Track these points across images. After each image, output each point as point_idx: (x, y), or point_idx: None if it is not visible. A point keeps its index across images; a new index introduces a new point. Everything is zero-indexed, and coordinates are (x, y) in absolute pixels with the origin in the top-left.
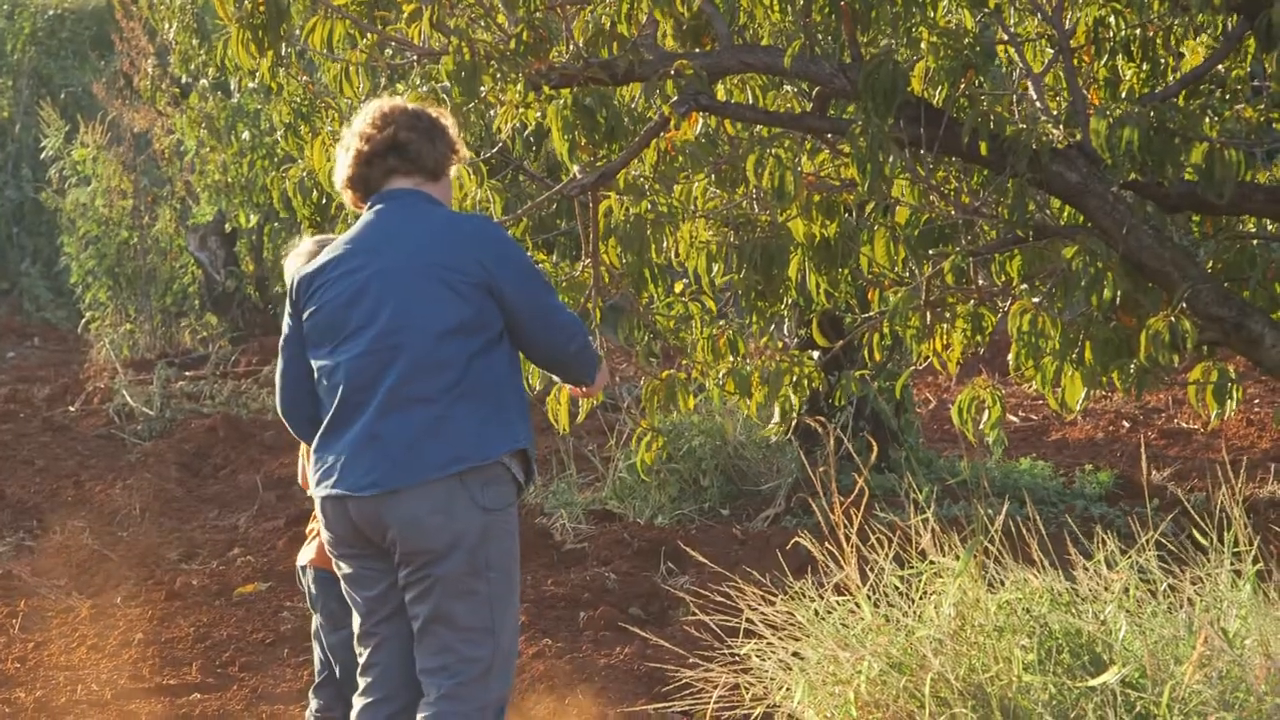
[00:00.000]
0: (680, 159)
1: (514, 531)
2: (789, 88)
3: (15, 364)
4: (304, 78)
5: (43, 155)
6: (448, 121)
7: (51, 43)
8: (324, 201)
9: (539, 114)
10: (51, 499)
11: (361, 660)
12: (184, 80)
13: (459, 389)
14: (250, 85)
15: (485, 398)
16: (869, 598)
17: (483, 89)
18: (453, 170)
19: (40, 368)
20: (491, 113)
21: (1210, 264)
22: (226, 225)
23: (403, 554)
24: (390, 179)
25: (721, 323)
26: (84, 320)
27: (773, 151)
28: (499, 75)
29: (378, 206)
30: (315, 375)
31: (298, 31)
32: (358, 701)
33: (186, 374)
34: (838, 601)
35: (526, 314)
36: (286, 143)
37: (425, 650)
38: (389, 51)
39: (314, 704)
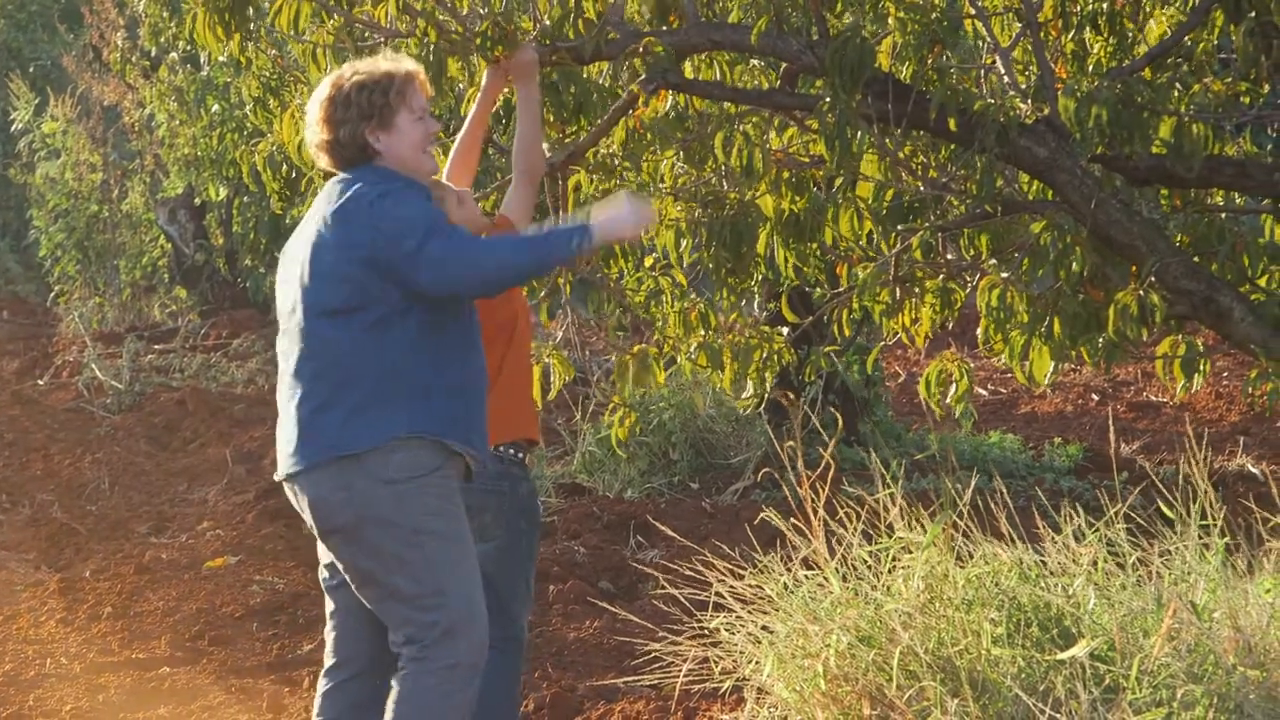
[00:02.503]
0: (649, 136)
1: (445, 494)
2: (756, 63)
3: None
4: (273, 52)
5: (12, 129)
6: (376, 73)
7: (21, 16)
8: (293, 175)
9: (507, 90)
10: (20, 472)
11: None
12: (154, 53)
13: (340, 373)
14: (220, 59)
15: (368, 382)
16: (837, 571)
17: (449, 75)
18: (403, 118)
19: (9, 341)
20: (460, 88)
21: (1179, 238)
22: (196, 199)
23: (319, 532)
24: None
25: (693, 296)
26: (53, 294)
27: (741, 129)
28: (464, 65)
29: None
30: None
31: (266, 4)
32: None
33: (156, 347)
34: (806, 575)
35: (414, 273)
36: (256, 117)
37: (389, 627)
38: (356, 32)
39: None
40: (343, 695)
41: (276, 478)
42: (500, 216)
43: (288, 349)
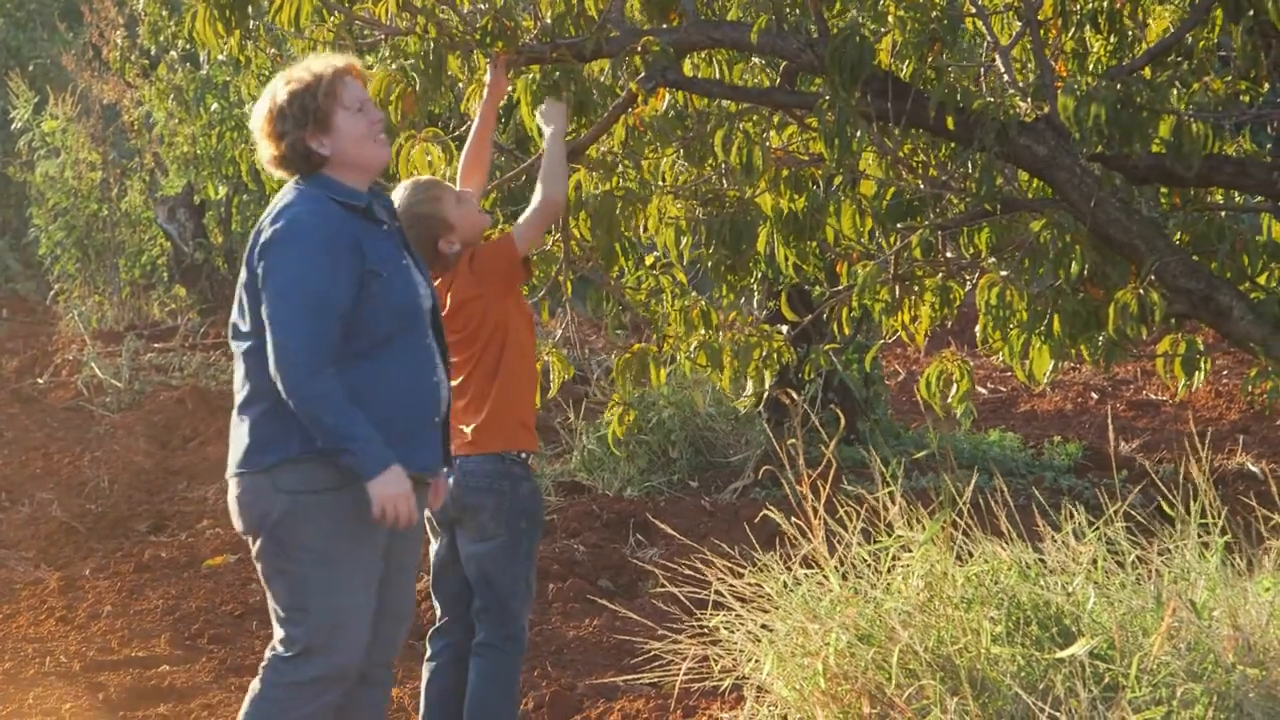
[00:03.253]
0: (649, 134)
1: (341, 515)
2: (756, 61)
3: None
4: (272, 50)
5: (12, 127)
6: (305, 78)
7: (20, 14)
8: None
9: (511, 89)
10: (20, 471)
11: None
12: (153, 52)
13: (245, 391)
14: (219, 57)
15: (266, 402)
16: (837, 570)
17: (449, 72)
18: (340, 117)
19: (8, 340)
20: (460, 86)
21: (1178, 236)
22: (195, 197)
23: (239, 532)
24: None
25: (693, 294)
26: (53, 292)
27: (740, 127)
28: (465, 62)
29: None
30: None
31: (265, 2)
32: None
33: (155, 346)
34: (806, 574)
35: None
36: None
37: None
38: (356, 29)
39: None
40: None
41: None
42: (508, 233)
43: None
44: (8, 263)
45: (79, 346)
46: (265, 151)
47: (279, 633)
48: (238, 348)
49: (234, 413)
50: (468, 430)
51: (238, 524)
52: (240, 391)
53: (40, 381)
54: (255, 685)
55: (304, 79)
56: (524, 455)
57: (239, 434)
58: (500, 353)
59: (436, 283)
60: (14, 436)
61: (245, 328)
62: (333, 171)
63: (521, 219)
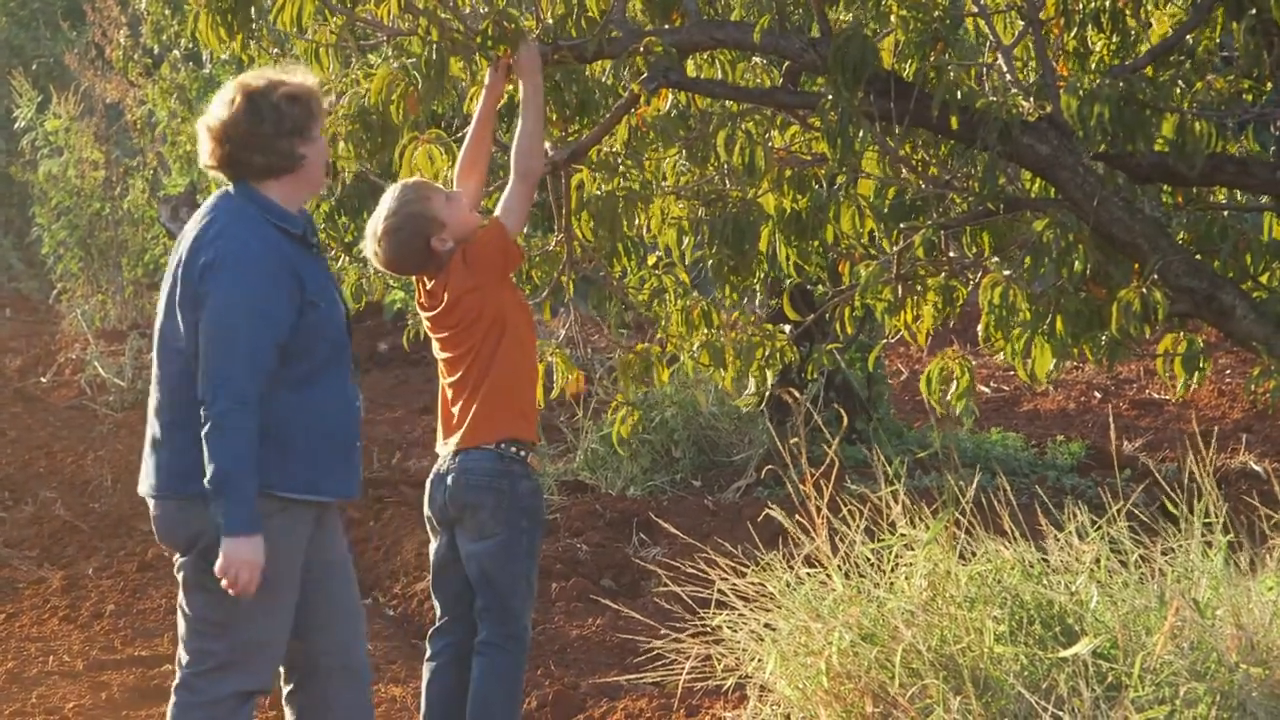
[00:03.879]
0: (651, 135)
1: (274, 539)
2: (758, 61)
3: None
4: (275, 50)
5: (15, 126)
6: (303, 85)
7: (23, 13)
8: None
9: (510, 88)
10: (23, 470)
11: None
12: (156, 51)
13: (173, 412)
14: (222, 56)
15: (190, 427)
16: (840, 569)
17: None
18: (317, 130)
19: (12, 339)
20: (463, 86)
21: (1181, 235)
22: (198, 196)
23: (161, 543)
24: None
25: (695, 294)
26: (56, 291)
27: (743, 127)
28: (467, 64)
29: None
30: None
31: (268, 3)
32: None
33: None
34: (809, 573)
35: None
36: None
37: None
38: (358, 30)
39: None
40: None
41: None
42: (494, 220)
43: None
44: (11, 262)
45: (82, 345)
46: (228, 148)
47: (191, 647)
48: (171, 362)
49: (160, 428)
50: (466, 421)
51: (164, 540)
52: (169, 409)
53: (43, 380)
54: (170, 709)
55: (301, 85)
56: (523, 453)
57: (169, 453)
58: (497, 344)
59: (432, 282)
60: (17, 435)
61: (182, 345)
62: (280, 187)
63: (504, 202)
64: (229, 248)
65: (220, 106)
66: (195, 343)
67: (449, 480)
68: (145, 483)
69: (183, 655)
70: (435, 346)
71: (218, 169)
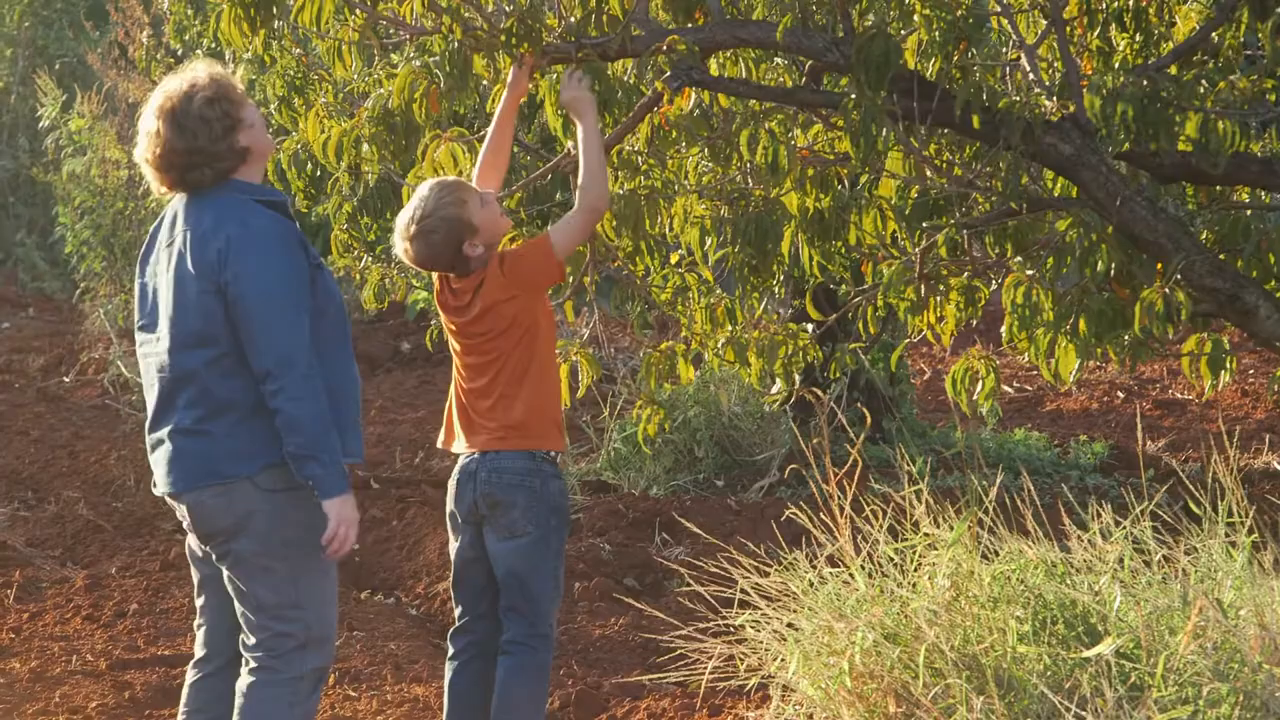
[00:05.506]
0: (674, 134)
1: (310, 509)
2: (781, 60)
3: (10, 334)
4: (297, 50)
5: (39, 125)
6: (200, 83)
7: (47, 12)
8: (318, 174)
9: (532, 87)
10: (46, 469)
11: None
12: (179, 51)
13: (208, 403)
14: (244, 57)
15: (237, 412)
16: (863, 569)
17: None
18: (247, 110)
19: (35, 338)
20: (485, 85)
21: (1204, 235)
22: None
23: (198, 535)
24: None
25: (719, 292)
26: (79, 290)
27: (766, 126)
28: (490, 63)
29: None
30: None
31: (290, 1)
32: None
33: None
34: (832, 572)
35: (239, 322)
36: (280, 116)
37: (245, 629)
38: (380, 28)
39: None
40: (209, 686)
41: (156, 493)
42: (544, 233)
43: (151, 378)
44: (34, 261)
45: (105, 345)
46: (175, 174)
47: (264, 631)
48: (190, 359)
49: (192, 421)
50: (495, 428)
51: (205, 530)
52: (200, 403)
53: (66, 380)
54: (249, 693)
55: (210, 80)
56: (554, 454)
57: (208, 443)
58: (531, 353)
59: (460, 283)
60: (40, 435)
61: (204, 336)
62: (245, 170)
63: (562, 223)
64: (235, 231)
65: (148, 138)
66: (222, 330)
67: (480, 476)
68: (170, 481)
69: (253, 641)
70: (457, 347)
71: (174, 190)
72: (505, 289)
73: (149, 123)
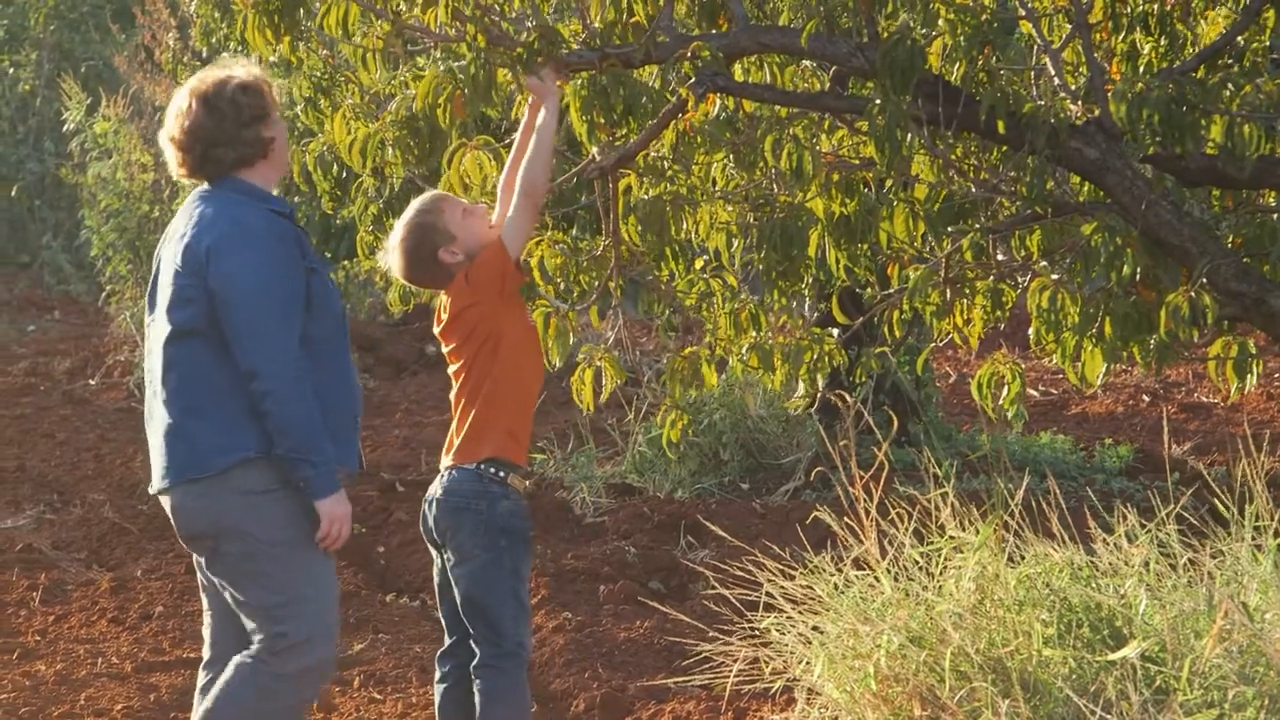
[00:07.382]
0: (699, 139)
1: (292, 508)
2: (806, 65)
3: (36, 337)
4: (324, 52)
5: (65, 129)
6: (244, 77)
7: (73, 16)
8: (344, 176)
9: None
10: (72, 472)
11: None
12: (205, 54)
13: (193, 391)
14: (270, 59)
15: (220, 403)
16: (889, 572)
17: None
18: (275, 113)
19: (61, 341)
20: (511, 91)
21: (1230, 239)
22: None
23: (182, 538)
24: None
25: (744, 296)
26: (104, 293)
27: (791, 131)
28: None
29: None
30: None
31: (316, 5)
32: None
33: None
34: (857, 576)
35: (224, 319)
36: (306, 117)
37: (246, 627)
38: (405, 35)
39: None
40: None
41: (150, 491)
42: (496, 239)
43: (152, 364)
44: (60, 264)
45: (130, 347)
46: (198, 151)
47: (264, 632)
48: (181, 345)
49: (177, 414)
50: (459, 438)
51: (188, 532)
52: (183, 393)
53: (92, 383)
54: (234, 674)
55: (249, 75)
56: (503, 474)
57: (182, 437)
58: (491, 361)
59: (441, 295)
60: (66, 438)
61: (190, 329)
62: (254, 174)
63: (508, 221)
64: (227, 228)
65: (178, 116)
66: (205, 324)
67: (436, 498)
68: (160, 477)
69: (253, 635)
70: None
71: (191, 175)
72: (468, 295)
73: (181, 101)
